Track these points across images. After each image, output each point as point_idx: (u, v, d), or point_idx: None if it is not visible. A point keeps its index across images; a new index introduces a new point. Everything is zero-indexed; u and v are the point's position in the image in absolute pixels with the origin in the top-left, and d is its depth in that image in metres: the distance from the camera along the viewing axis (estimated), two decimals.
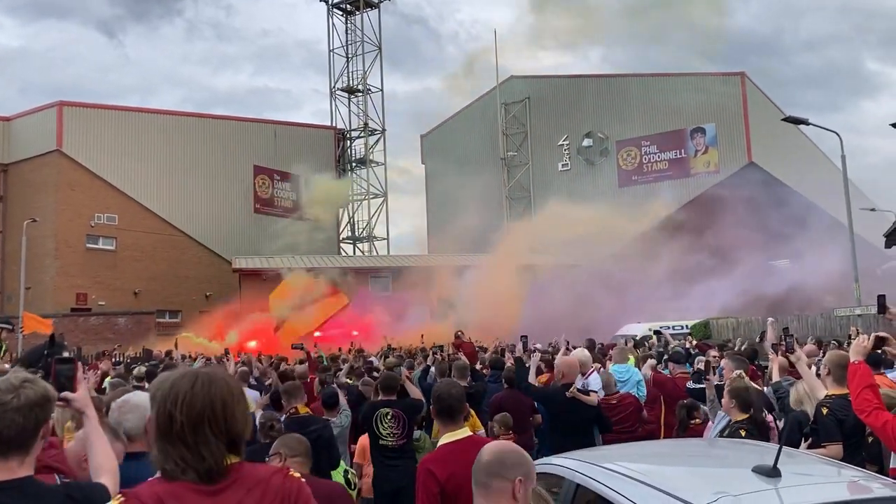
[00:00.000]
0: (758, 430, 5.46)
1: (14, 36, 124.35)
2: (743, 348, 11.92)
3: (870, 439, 5.34)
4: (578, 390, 7.27)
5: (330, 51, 54.92)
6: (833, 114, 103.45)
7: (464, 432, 4.27)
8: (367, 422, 7.35)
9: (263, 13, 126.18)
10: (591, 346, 14.95)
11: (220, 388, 2.13)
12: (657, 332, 13.69)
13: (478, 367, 11.62)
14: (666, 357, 10.63)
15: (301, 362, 12.36)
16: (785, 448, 3.52)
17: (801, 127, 25.09)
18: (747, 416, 5.66)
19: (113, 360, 20.69)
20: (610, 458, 4.21)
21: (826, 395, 5.32)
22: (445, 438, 4.25)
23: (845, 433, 5.02)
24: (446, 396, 4.34)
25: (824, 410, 5.13)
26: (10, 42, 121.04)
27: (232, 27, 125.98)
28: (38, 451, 2.56)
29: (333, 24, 55.00)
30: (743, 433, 5.42)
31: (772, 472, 3.27)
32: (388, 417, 7.20)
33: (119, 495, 2.05)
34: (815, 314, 28.06)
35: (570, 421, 7.10)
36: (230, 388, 2.16)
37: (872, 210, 34.76)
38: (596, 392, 7.72)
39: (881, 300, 7.10)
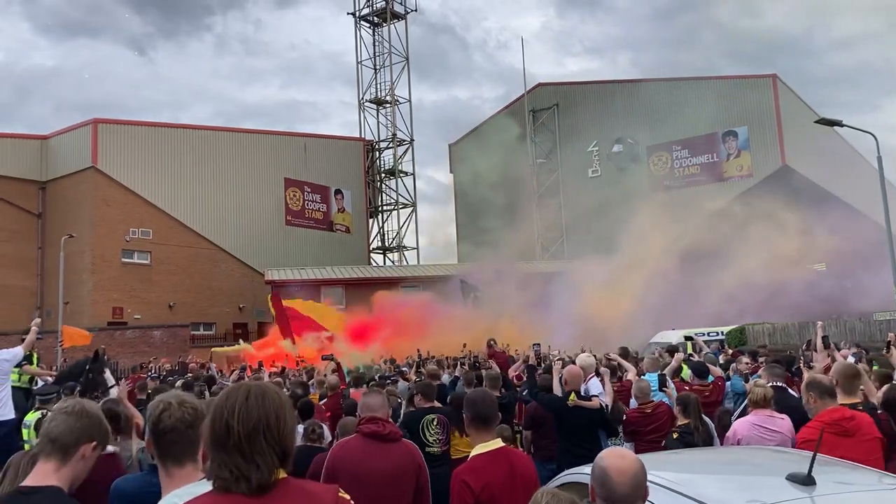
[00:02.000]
0: (691, 435, 6.10)
1: (48, 56, 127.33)
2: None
3: None
4: (579, 397, 7.38)
5: (358, 63, 55.46)
6: (870, 113, 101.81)
7: (497, 443, 4.24)
8: (412, 430, 7.16)
9: (291, 27, 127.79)
10: (624, 353, 14.84)
11: (273, 400, 2.18)
12: (689, 339, 13.44)
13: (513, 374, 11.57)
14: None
15: (333, 371, 12.42)
16: (820, 455, 3.44)
17: (837, 128, 24.65)
18: (687, 421, 6.26)
19: (149, 373, 20.99)
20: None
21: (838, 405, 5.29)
22: (479, 448, 4.22)
23: None
24: (479, 402, 4.32)
25: None
26: (45, 62, 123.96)
27: (260, 41, 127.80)
28: (76, 469, 2.69)
29: (361, 36, 55.57)
30: (675, 436, 6.11)
31: (806, 480, 3.20)
32: (435, 424, 7.14)
33: None
34: (854, 318, 27.55)
35: (575, 425, 7.25)
36: (281, 402, 2.21)
37: None
38: (597, 396, 7.83)
39: None
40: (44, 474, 2.63)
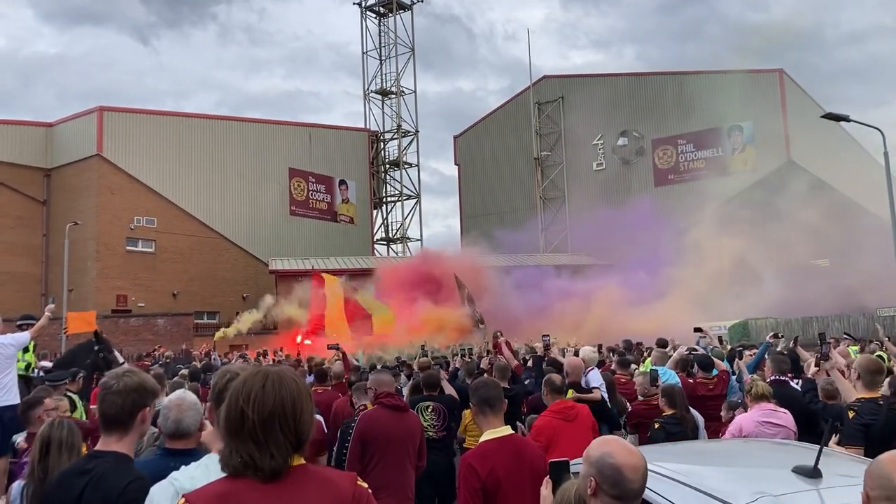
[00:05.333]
0: (678, 425, 6.37)
1: (52, 43, 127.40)
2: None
3: None
4: (580, 389, 7.50)
5: (363, 53, 55.30)
6: (878, 108, 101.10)
7: (506, 430, 4.29)
8: None
9: (295, 17, 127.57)
10: (628, 346, 14.88)
11: (291, 387, 2.14)
12: (698, 329, 13.34)
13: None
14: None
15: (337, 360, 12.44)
16: (826, 449, 3.46)
17: (843, 123, 24.52)
18: (673, 412, 6.46)
19: (152, 360, 21.06)
20: (648, 459, 4.16)
21: (856, 399, 5.32)
22: (487, 435, 4.27)
23: (873, 436, 5.01)
24: (482, 387, 4.42)
25: (851, 413, 5.18)
26: (49, 49, 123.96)
27: (264, 31, 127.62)
28: (140, 430, 3.05)
29: (367, 26, 55.39)
30: (656, 426, 6.38)
31: (813, 473, 3.22)
32: (429, 410, 7.67)
33: (181, 498, 2.07)
34: (857, 314, 27.52)
35: None
36: (299, 388, 2.16)
37: None
38: (598, 387, 7.93)
39: None
40: (107, 443, 2.97)
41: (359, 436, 5.75)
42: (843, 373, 6.76)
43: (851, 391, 5.63)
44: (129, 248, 40.47)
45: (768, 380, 7.09)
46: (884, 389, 5.62)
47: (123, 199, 40.24)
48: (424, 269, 33.84)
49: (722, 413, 7.51)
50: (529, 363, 11.80)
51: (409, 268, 34.89)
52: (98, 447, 3.01)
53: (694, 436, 6.56)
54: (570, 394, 7.41)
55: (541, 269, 36.54)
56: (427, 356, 13.45)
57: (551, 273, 35.22)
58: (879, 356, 7.89)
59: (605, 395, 8.00)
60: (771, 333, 10.37)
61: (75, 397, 7.33)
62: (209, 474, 2.38)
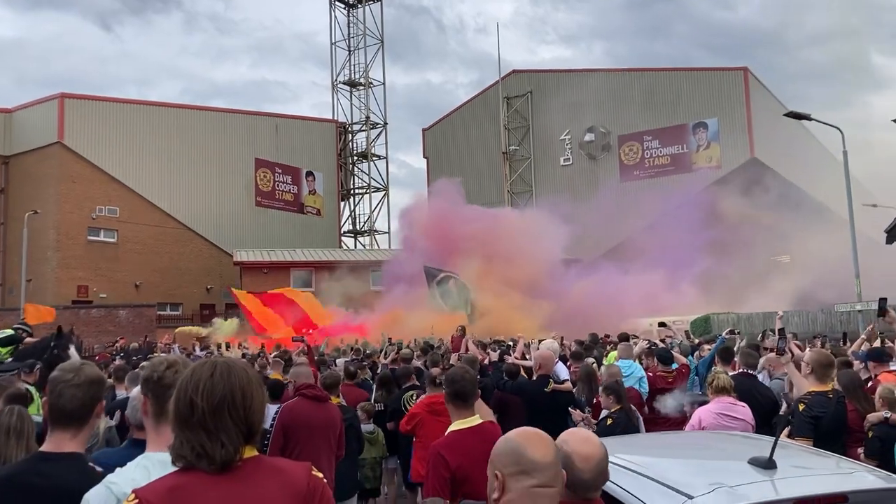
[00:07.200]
0: (626, 419, 6.48)
1: (10, 27, 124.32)
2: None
3: (869, 434, 5.40)
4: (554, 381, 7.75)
5: (332, 44, 54.89)
6: (841, 109, 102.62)
7: (475, 419, 4.28)
8: (395, 407, 8.33)
9: (262, 6, 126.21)
10: (594, 340, 15.02)
11: (240, 376, 2.13)
12: (662, 325, 13.54)
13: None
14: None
15: (302, 353, 12.38)
16: (782, 441, 3.53)
17: (805, 122, 24.99)
18: (619, 406, 6.57)
19: (113, 352, 20.72)
20: (608, 451, 4.20)
21: (806, 392, 5.44)
22: (456, 424, 4.25)
23: (822, 429, 5.11)
24: (459, 379, 4.35)
25: (801, 406, 5.30)
26: (7, 32, 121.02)
27: (230, 20, 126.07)
28: (91, 427, 2.89)
29: (335, 16, 54.99)
30: (609, 421, 6.46)
31: (768, 464, 3.28)
32: (414, 398, 8.05)
33: (131, 495, 2.02)
34: (816, 309, 28.08)
35: (548, 410, 7.39)
36: (249, 377, 2.16)
37: (874, 206, 34.63)
38: (567, 379, 8.27)
39: (882, 303, 7.21)
40: (60, 441, 2.77)
41: (280, 426, 5.84)
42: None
43: (804, 385, 5.74)
44: (90, 237, 39.76)
45: (735, 372, 7.20)
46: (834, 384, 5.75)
47: (85, 189, 39.50)
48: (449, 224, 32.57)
49: (686, 408, 7.61)
50: (492, 357, 11.86)
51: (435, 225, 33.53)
52: (49, 447, 2.78)
53: (636, 429, 6.68)
54: (552, 385, 7.61)
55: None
56: (392, 348, 13.43)
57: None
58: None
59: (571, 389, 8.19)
60: (727, 329, 10.57)
61: (32, 389, 7.19)
62: (150, 475, 2.31)
